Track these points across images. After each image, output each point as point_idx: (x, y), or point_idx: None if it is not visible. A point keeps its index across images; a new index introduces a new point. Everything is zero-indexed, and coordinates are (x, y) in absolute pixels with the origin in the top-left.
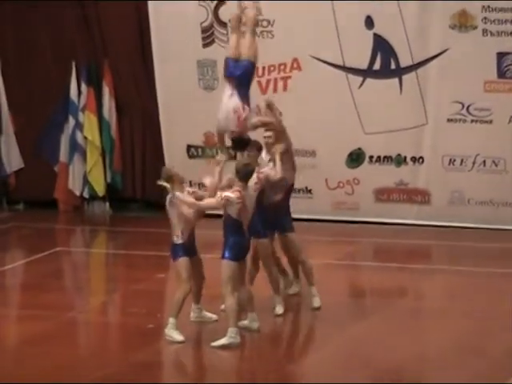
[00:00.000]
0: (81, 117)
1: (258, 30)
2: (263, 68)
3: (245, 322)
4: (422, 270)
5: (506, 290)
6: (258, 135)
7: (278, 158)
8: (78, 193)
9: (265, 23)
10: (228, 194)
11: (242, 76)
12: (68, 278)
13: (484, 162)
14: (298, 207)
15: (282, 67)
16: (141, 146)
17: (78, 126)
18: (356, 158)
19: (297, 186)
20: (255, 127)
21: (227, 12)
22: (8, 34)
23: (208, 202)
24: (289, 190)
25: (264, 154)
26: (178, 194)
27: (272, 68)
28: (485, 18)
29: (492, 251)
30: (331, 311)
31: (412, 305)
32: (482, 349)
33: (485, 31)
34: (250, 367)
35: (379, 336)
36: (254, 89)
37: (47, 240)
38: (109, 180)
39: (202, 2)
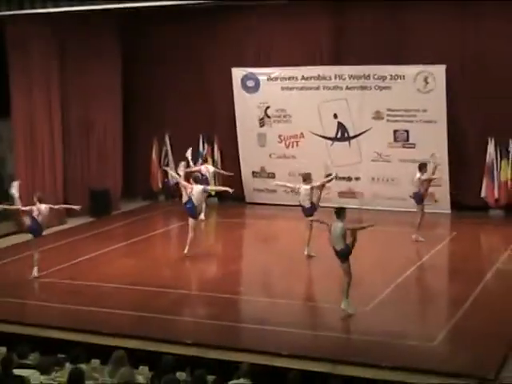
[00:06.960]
0: None
1: (282, 116)
2: (286, 137)
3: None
4: None
5: None
6: None
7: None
8: None
9: (285, 113)
10: None
11: None
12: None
13: None
14: None
15: (294, 136)
16: None
17: None
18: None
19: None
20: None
21: None
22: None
23: None
24: None
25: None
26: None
27: (289, 137)
28: None
29: None
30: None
31: None
32: None
33: None
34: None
35: None
36: (277, 143)
37: None
38: None
39: None
